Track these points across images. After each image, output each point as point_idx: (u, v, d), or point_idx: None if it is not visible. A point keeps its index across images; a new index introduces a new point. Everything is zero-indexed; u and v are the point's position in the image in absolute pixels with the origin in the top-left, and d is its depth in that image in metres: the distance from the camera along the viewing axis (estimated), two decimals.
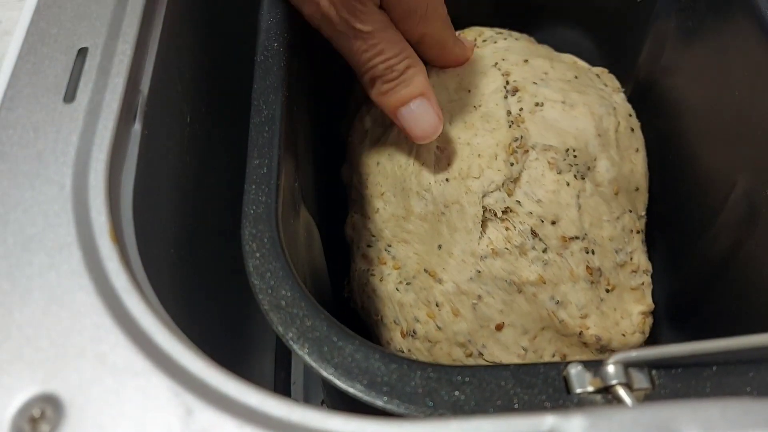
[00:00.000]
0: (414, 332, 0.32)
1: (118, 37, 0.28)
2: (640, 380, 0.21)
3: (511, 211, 0.33)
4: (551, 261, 0.32)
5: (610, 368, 0.21)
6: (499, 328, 0.32)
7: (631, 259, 0.35)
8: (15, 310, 0.22)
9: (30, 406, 0.20)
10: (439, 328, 0.32)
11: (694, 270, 0.37)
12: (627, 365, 0.21)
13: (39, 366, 0.20)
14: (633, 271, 0.35)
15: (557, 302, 0.32)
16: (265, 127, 0.28)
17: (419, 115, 0.32)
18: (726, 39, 0.34)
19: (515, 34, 0.42)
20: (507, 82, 0.37)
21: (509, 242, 0.32)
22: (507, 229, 0.32)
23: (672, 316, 0.38)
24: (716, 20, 0.35)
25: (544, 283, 0.32)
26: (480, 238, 0.32)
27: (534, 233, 0.32)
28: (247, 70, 0.30)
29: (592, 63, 0.42)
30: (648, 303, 0.35)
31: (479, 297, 0.32)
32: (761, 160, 0.31)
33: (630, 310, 0.35)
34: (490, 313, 0.32)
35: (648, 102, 0.42)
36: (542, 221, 0.33)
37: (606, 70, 0.42)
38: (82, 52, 0.28)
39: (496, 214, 0.32)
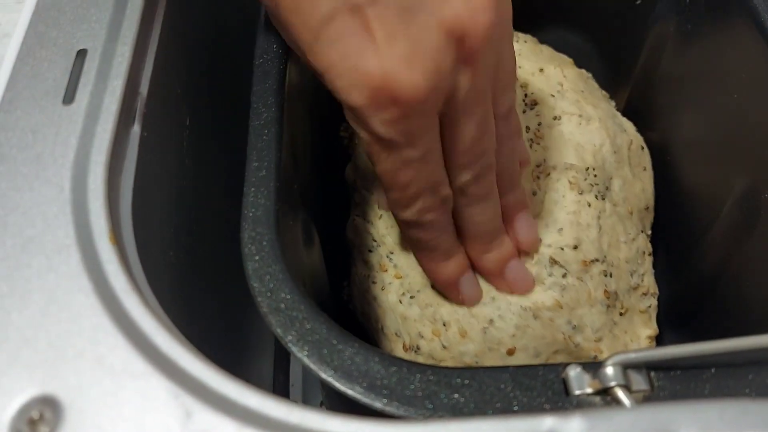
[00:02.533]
0: (417, 348, 0.32)
1: (117, 40, 0.29)
2: (639, 382, 0.21)
3: None
4: (569, 285, 0.32)
5: (609, 370, 0.21)
6: (511, 353, 0.31)
7: (642, 281, 0.35)
8: (14, 311, 0.22)
9: (29, 407, 0.20)
10: (444, 347, 0.31)
11: (694, 273, 0.37)
12: (626, 367, 0.21)
13: (38, 368, 0.20)
14: (643, 294, 0.35)
15: (574, 327, 0.32)
16: (264, 129, 0.28)
17: None
18: (725, 42, 0.34)
19: (521, 35, 0.42)
20: (525, 95, 0.36)
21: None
22: (524, 260, 0.32)
23: (672, 319, 0.38)
24: (715, 23, 0.35)
25: (561, 308, 0.31)
26: None
27: (553, 261, 0.32)
28: (246, 73, 0.30)
29: (591, 65, 0.42)
30: (654, 327, 0.35)
31: (491, 321, 0.31)
32: (760, 163, 0.31)
33: (639, 334, 0.34)
34: (500, 336, 0.31)
35: (647, 105, 0.42)
36: (562, 249, 0.32)
37: (591, 76, 0.42)
38: (81, 54, 0.28)
39: None
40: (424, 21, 0.23)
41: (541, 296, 0.31)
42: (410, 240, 0.30)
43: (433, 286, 0.32)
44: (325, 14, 0.24)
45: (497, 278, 0.31)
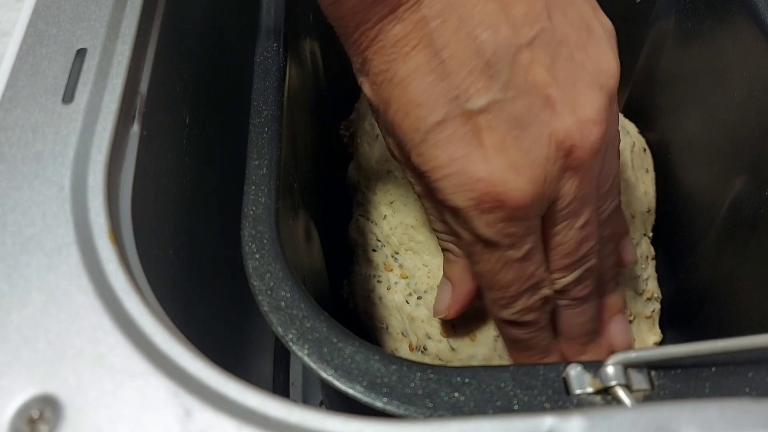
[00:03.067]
0: (425, 348, 0.32)
1: (116, 38, 0.28)
2: (640, 381, 0.21)
3: None
4: None
5: (610, 369, 0.21)
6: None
7: (647, 285, 0.35)
8: (13, 311, 0.22)
9: (28, 407, 0.20)
10: (453, 349, 0.31)
11: (694, 272, 0.37)
12: (626, 366, 0.21)
13: (37, 367, 0.20)
14: (648, 299, 0.35)
15: None
16: (264, 127, 0.28)
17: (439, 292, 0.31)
18: (725, 40, 0.34)
19: None
20: None
21: None
22: None
23: (673, 319, 0.38)
24: (715, 21, 0.35)
25: None
26: None
27: None
28: (246, 71, 0.30)
29: None
30: (658, 333, 0.35)
31: None
32: (760, 162, 0.31)
33: (646, 341, 0.34)
34: None
35: (646, 104, 0.42)
36: None
37: None
38: (81, 53, 0.28)
39: None
40: (535, 132, 0.24)
41: None
42: (507, 337, 0.30)
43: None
44: (437, 118, 0.24)
45: None
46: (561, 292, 0.28)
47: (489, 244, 0.25)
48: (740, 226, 0.33)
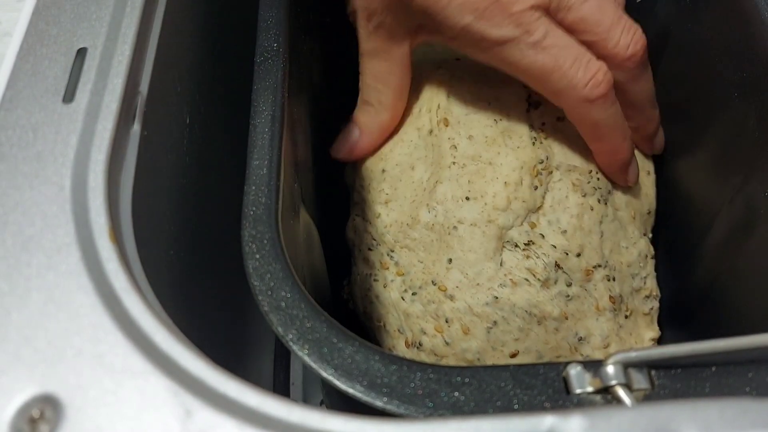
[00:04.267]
0: (420, 344, 0.32)
1: (117, 38, 0.28)
2: (640, 380, 0.21)
3: (533, 243, 0.32)
4: (575, 296, 0.32)
5: (610, 369, 0.21)
6: (514, 356, 0.31)
7: (645, 283, 0.35)
8: (13, 310, 0.22)
9: (29, 406, 0.20)
10: (447, 343, 0.31)
11: (694, 272, 0.37)
12: (626, 365, 0.21)
13: (38, 366, 0.20)
14: (646, 297, 0.35)
15: (580, 339, 0.32)
16: (264, 128, 0.28)
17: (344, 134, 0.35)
18: (725, 40, 0.34)
19: None
20: (529, 95, 0.36)
21: (532, 274, 0.32)
22: (528, 257, 0.32)
23: (673, 318, 0.39)
24: (715, 21, 0.35)
25: (567, 318, 0.31)
26: (501, 266, 0.32)
27: (558, 266, 0.32)
28: (246, 71, 0.30)
29: None
30: (656, 330, 0.35)
31: (494, 323, 0.31)
32: (760, 162, 0.31)
33: (642, 336, 0.34)
34: (504, 339, 0.31)
35: None
36: (567, 254, 0.32)
37: None
38: (81, 53, 0.28)
39: (517, 245, 0.32)
40: None
41: (548, 306, 0.31)
42: (590, 123, 0.32)
43: (434, 282, 0.32)
44: None
45: (650, 142, 0.37)
46: (625, 62, 0.31)
47: (509, 41, 0.29)
48: (740, 226, 0.33)
